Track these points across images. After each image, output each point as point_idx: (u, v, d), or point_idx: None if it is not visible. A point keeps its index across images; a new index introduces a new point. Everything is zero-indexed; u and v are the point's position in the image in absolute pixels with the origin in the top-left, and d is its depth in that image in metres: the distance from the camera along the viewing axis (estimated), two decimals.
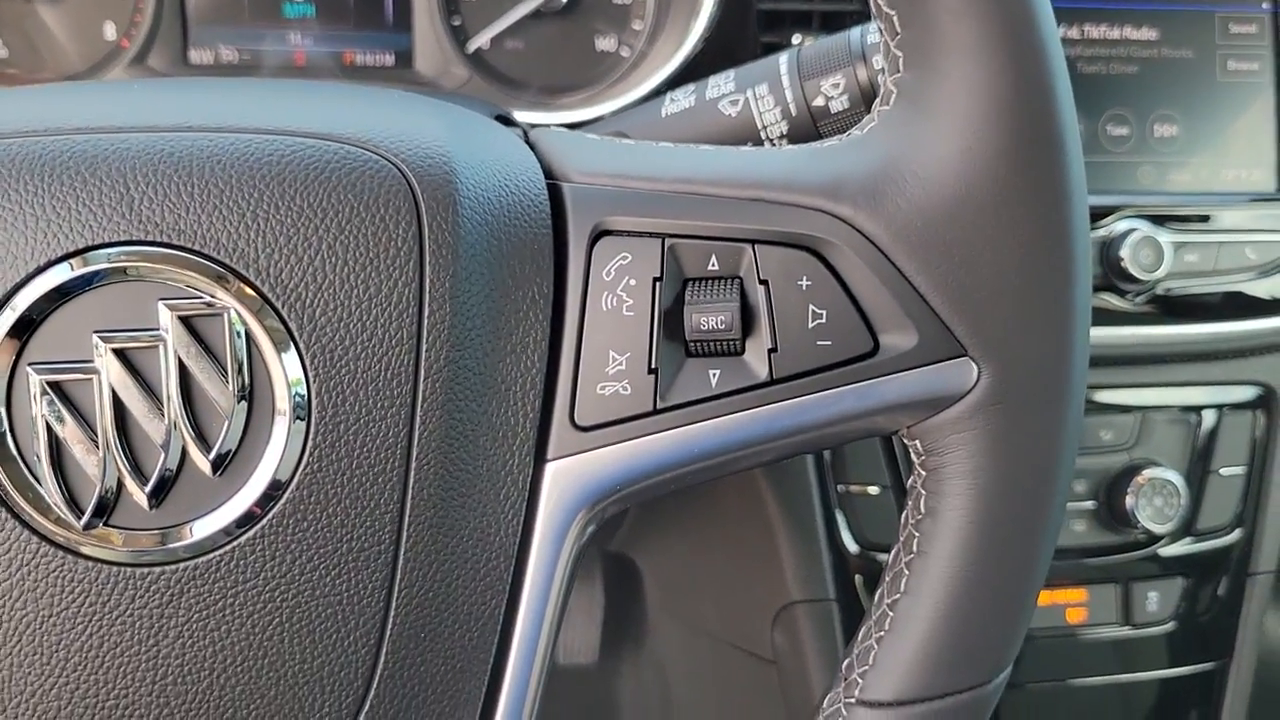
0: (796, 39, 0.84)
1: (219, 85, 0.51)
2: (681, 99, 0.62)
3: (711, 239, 0.44)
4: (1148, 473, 0.87)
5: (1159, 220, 0.85)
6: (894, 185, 0.44)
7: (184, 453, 0.41)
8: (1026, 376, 0.44)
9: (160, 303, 0.40)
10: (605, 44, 0.92)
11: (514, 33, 0.90)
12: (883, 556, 0.89)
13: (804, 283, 0.44)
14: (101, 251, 0.40)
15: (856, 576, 0.90)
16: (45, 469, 0.40)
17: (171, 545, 0.41)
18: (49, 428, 0.40)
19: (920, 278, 0.44)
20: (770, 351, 0.44)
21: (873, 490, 0.88)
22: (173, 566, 0.41)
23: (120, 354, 0.40)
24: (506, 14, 0.89)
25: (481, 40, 0.90)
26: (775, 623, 0.92)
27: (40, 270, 0.40)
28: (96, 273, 0.40)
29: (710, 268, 0.44)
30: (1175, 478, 0.88)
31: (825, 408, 0.44)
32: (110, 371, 0.40)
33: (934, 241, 0.43)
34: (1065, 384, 0.45)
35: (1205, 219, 0.86)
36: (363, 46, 0.90)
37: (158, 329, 0.40)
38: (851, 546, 0.88)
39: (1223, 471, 0.91)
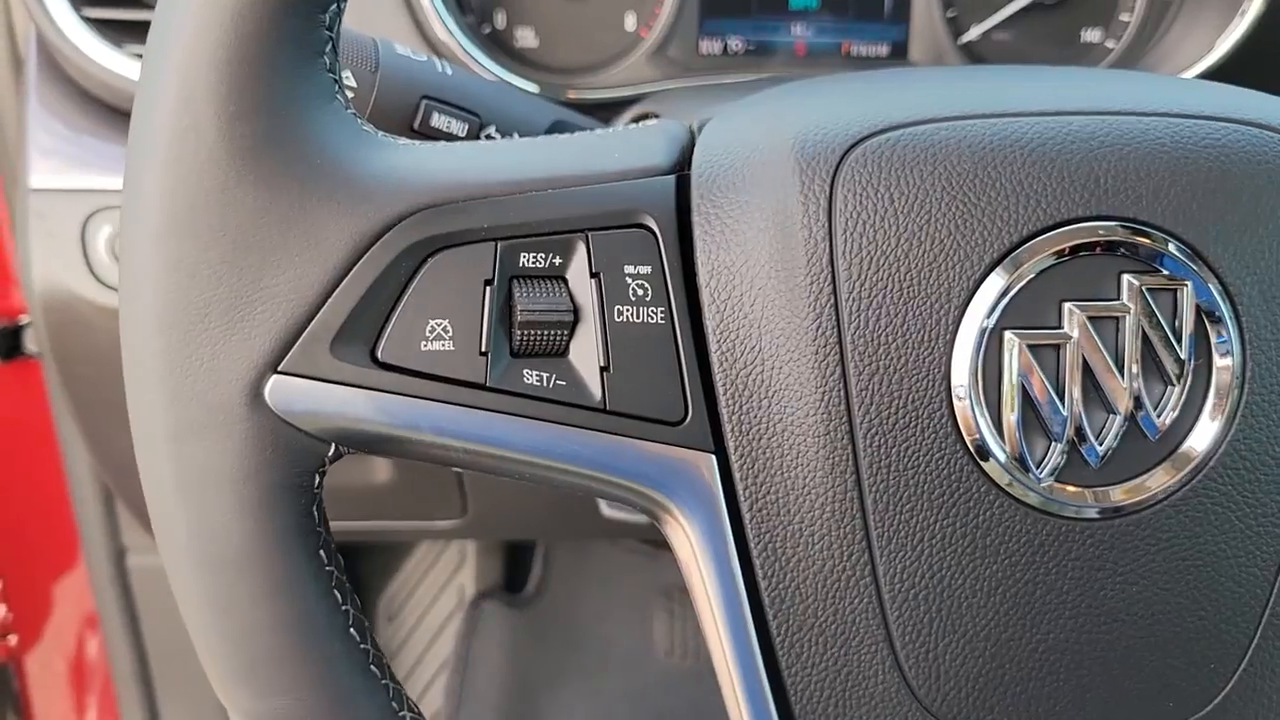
0: None
1: (1103, 74, 0.54)
2: None
3: None
4: None
5: None
6: None
7: (1130, 417, 0.43)
8: None
9: (1124, 275, 0.43)
10: (1090, 35, 0.93)
11: (1005, 24, 0.92)
12: None
13: None
14: (1072, 227, 0.43)
15: None
16: (1012, 427, 0.43)
17: (1108, 503, 0.44)
18: (1023, 389, 0.43)
19: None
20: None
21: None
22: (1104, 523, 0.44)
23: (1088, 322, 0.43)
24: (1005, 6, 0.91)
25: (976, 32, 0.92)
26: None
27: (1021, 243, 0.43)
28: (1067, 247, 0.43)
29: None
30: None
31: None
32: (1081, 338, 0.43)
33: None
34: None
35: None
36: (860, 37, 0.92)
37: (1120, 299, 0.43)
38: None
39: None
